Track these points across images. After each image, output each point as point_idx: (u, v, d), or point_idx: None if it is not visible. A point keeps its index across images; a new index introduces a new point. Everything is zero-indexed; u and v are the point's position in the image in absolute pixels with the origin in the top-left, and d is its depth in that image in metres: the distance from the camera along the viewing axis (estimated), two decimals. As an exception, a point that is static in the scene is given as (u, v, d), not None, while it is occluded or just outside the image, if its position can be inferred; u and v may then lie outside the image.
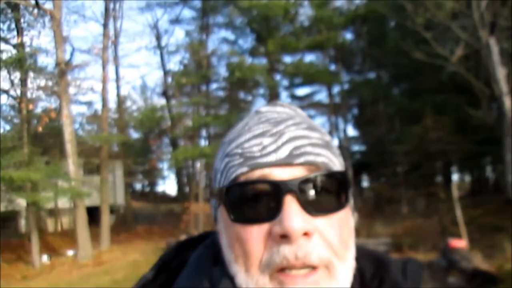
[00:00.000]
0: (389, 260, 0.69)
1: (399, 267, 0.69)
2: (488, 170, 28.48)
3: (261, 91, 22.60)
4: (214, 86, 24.55)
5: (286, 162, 0.60)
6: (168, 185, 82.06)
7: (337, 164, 0.65)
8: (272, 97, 20.78)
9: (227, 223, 0.63)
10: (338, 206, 0.61)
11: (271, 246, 0.58)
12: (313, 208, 0.59)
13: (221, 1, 19.46)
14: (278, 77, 20.68)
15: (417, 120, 16.19)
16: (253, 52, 20.96)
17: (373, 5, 16.68)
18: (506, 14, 10.23)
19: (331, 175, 0.62)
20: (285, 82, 24.32)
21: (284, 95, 29.08)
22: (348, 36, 22.12)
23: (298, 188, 0.58)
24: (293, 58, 20.49)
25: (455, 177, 26.17)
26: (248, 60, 19.51)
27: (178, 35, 54.65)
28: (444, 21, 11.12)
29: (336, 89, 25.05)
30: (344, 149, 23.72)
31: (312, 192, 0.59)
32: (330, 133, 26.96)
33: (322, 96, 32.49)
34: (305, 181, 0.59)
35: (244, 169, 0.61)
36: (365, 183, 32.54)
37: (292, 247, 0.57)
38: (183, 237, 13.74)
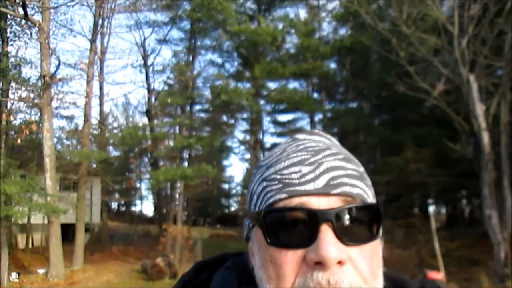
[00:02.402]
0: (407, 282, 0.71)
1: None
2: (463, 203, 28.95)
3: (244, 115, 22.70)
4: (197, 107, 24.63)
5: (323, 192, 0.62)
6: (145, 206, 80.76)
7: (370, 195, 0.68)
8: (255, 121, 20.93)
9: (262, 245, 0.65)
10: (370, 237, 0.64)
11: (305, 271, 0.60)
12: (347, 238, 0.61)
13: (210, 24, 19.69)
14: (261, 102, 20.86)
15: (398, 151, 16.45)
16: (238, 76, 21.16)
17: (358, 36, 17.11)
18: (485, 52, 10.59)
19: (366, 207, 0.65)
20: (268, 108, 24.57)
21: (266, 120, 29.32)
22: (332, 65, 22.58)
23: (334, 218, 0.61)
24: (276, 85, 20.80)
25: (431, 209, 26.47)
26: (232, 84, 19.67)
27: (165, 55, 54.71)
28: (426, 56, 11.44)
29: (318, 117, 25.42)
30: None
31: (347, 223, 0.62)
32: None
33: (304, 123, 32.85)
34: (341, 211, 0.62)
35: (283, 195, 0.63)
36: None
37: (325, 274, 0.59)
38: (159, 259, 13.41)
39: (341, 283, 0.59)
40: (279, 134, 33.24)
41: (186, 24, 21.67)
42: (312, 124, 22.75)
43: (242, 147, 33.66)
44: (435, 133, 15.52)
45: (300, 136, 0.73)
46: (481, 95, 11.37)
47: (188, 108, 21.21)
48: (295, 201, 0.62)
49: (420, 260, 13.65)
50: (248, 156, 34.95)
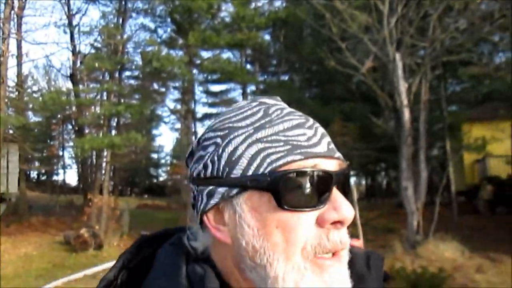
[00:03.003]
0: (354, 253, 0.72)
1: (363, 259, 0.75)
2: (381, 176, 30.87)
3: (176, 83, 22.16)
4: (126, 74, 23.62)
5: (329, 155, 0.64)
6: (69, 175, 77.27)
7: None
8: (187, 91, 20.51)
9: (260, 210, 0.62)
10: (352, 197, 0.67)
11: (318, 233, 0.61)
12: (349, 197, 0.65)
13: (142, -14, 18.76)
14: (194, 71, 20.42)
15: (327, 125, 16.97)
16: (170, 43, 20.47)
17: (293, 9, 17.16)
18: (411, 32, 11.09)
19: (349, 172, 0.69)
20: (201, 77, 24.16)
21: (198, 90, 28.87)
22: (266, 37, 22.54)
23: (342, 180, 0.64)
24: (210, 54, 20.43)
25: (353, 180, 27.89)
26: (165, 50, 19.02)
27: (92, 15, 51.53)
28: (357, 33, 11.73)
29: (250, 89, 25.47)
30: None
31: (347, 184, 0.66)
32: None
33: (235, 94, 32.82)
34: (344, 173, 0.65)
35: (297, 156, 0.62)
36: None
37: (339, 233, 0.62)
38: (83, 230, 12.93)
39: (346, 241, 0.63)
40: (211, 104, 32.97)
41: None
42: (244, 95, 22.74)
43: (173, 117, 33.05)
44: (361, 108, 16.17)
45: (268, 100, 0.71)
46: (404, 73, 11.94)
47: (117, 74, 20.25)
48: (310, 163, 0.62)
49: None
50: (178, 125, 34.44)
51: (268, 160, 0.62)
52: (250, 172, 0.63)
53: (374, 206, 21.36)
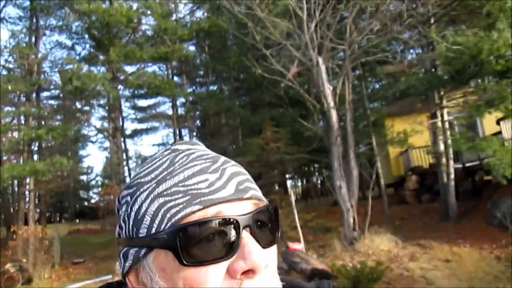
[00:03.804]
0: (303, 285, 0.71)
1: None
2: (315, 177, 31.71)
3: (101, 101, 21.36)
4: (45, 94, 22.36)
5: (236, 197, 0.60)
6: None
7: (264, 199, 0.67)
8: (113, 107, 19.80)
9: (167, 270, 0.58)
10: (276, 237, 0.63)
11: (230, 285, 0.56)
12: (264, 241, 0.59)
13: (54, 2, 17.84)
14: (119, 87, 19.80)
15: (258, 132, 17.12)
16: (91, 60, 19.70)
17: (215, 19, 17.18)
18: (330, 36, 11.50)
19: (271, 209, 0.63)
20: (127, 93, 23.46)
21: (125, 106, 28.02)
22: (191, 48, 22.42)
23: (252, 223, 0.58)
24: (134, 69, 19.90)
25: (289, 184, 28.35)
26: (85, 68, 18.25)
27: (0, 36, 48.36)
28: (279, 39, 11.96)
29: (179, 101, 25.15)
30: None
31: (261, 226, 0.60)
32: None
33: (165, 107, 32.27)
34: (256, 214, 0.60)
35: (196, 207, 0.57)
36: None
37: (253, 281, 0.56)
38: (9, 265, 11.96)
39: None
40: (140, 120, 32.13)
41: (25, 1, 19.36)
42: (174, 108, 22.40)
43: (100, 135, 31.77)
44: (290, 113, 16.50)
45: (181, 146, 0.68)
46: (328, 76, 12.33)
47: (34, 95, 19.08)
48: (211, 211, 0.58)
49: (282, 232, 14.52)
50: (107, 144, 33.14)
51: (168, 215, 0.58)
52: (153, 230, 0.59)
53: (310, 207, 21.81)
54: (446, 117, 13.05)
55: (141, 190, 0.62)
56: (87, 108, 24.93)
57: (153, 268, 0.59)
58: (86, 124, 25.83)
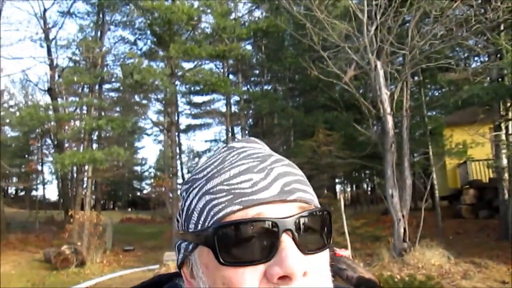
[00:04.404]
0: None
1: None
2: (366, 183, 31.01)
3: (158, 95, 22.00)
4: (106, 86, 23.34)
5: (279, 199, 0.58)
6: (48, 190, 75.83)
7: (317, 201, 0.65)
8: (170, 102, 20.34)
9: (210, 267, 0.58)
10: (325, 243, 0.61)
11: None
12: (307, 246, 0.57)
13: (120, -1, 18.63)
14: (176, 82, 20.31)
15: (310, 134, 16.99)
16: (151, 55, 20.35)
17: (273, 19, 17.21)
18: (391, 40, 11.16)
19: (320, 213, 0.61)
20: (183, 88, 24.02)
21: (181, 101, 28.74)
22: (248, 48, 22.60)
23: (294, 226, 0.57)
24: (191, 65, 20.32)
25: (338, 189, 27.95)
26: (145, 62, 18.88)
27: (69, 29, 51.02)
28: (337, 41, 11.77)
29: (233, 99, 25.43)
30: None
31: (305, 230, 0.58)
32: (227, 142, 27.29)
33: (219, 104, 32.80)
34: (299, 218, 0.58)
35: (236, 207, 0.57)
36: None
37: None
38: (65, 247, 12.59)
39: None
40: (195, 116, 32.87)
41: (93, -4, 20.30)
42: (228, 106, 22.68)
43: (156, 129, 32.80)
44: (345, 116, 16.24)
45: (237, 144, 0.68)
46: (386, 81, 12.00)
47: (96, 87, 19.99)
48: (251, 212, 0.57)
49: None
50: (162, 137, 34.16)
51: (212, 213, 0.59)
52: (199, 227, 0.60)
53: (359, 214, 21.39)
54: (511, 130, 12.33)
55: (194, 186, 0.63)
56: (145, 101, 25.80)
57: (198, 264, 0.60)
58: (143, 117, 26.74)
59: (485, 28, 10.14)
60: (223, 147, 0.69)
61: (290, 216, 0.57)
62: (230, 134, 26.42)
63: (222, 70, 22.65)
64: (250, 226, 0.56)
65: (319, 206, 0.63)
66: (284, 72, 20.45)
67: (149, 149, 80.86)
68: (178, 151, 20.02)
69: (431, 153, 15.54)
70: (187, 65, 20.88)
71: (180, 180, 22.42)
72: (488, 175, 16.04)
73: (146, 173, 44.63)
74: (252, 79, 26.82)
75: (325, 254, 0.61)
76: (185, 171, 28.55)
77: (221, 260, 0.56)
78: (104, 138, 22.16)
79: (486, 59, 13.01)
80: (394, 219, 11.69)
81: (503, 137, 12.29)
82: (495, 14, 9.79)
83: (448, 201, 18.61)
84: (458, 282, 9.69)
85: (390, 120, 12.04)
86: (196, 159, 40.54)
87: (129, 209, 36.86)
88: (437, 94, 19.68)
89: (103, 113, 20.26)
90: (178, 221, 0.66)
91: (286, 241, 0.56)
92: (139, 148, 42.35)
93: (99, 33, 20.16)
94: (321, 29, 11.85)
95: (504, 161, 12.36)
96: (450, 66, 12.79)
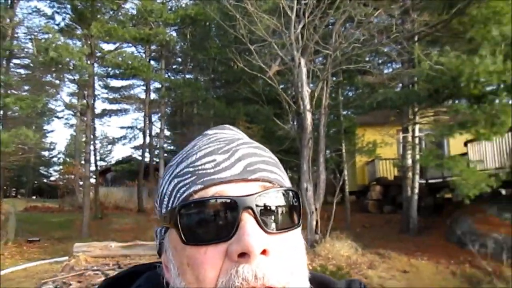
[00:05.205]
0: (333, 282, 0.70)
1: None
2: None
3: (74, 77, 20.71)
4: (15, 62, 21.50)
5: (241, 178, 0.59)
6: None
7: (287, 181, 0.65)
8: (86, 84, 19.24)
9: (177, 248, 0.59)
10: (292, 224, 0.60)
11: (228, 268, 0.55)
12: (269, 225, 0.57)
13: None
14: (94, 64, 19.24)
15: (231, 125, 17.02)
16: (69, 33, 19.05)
17: (202, 7, 16.93)
18: (316, 39, 11.55)
19: (285, 192, 0.61)
20: (101, 71, 22.86)
21: (98, 84, 27.29)
22: (173, 34, 22.04)
23: (254, 204, 0.56)
24: (112, 47, 19.36)
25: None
26: (62, 39, 17.62)
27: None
28: (265, 36, 11.92)
29: (153, 86, 24.74)
30: (159, 148, 23.46)
31: (268, 209, 0.58)
32: (144, 130, 26.45)
33: (138, 90, 31.69)
34: (261, 196, 0.58)
35: (198, 186, 0.58)
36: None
37: (251, 266, 0.54)
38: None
39: (268, 276, 0.54)
40: (111, 100, 31.39)
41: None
42: (148, 92, 22.01)
43: (68, 112, 30.82)
44: (266, 110, 16.49)
45: (210, 131, 0.70)
46: (308, 78, 12.39)
47: (4, 61, 18.29)
48: (212, 191, 0.58)
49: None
50: (74, 121, 32.24)
51: (178, 194, 0.60)
52: (169, 210, 0.61)
53: (274, 206, 21.86)
54: (417, 133, 13.37)
55: (167, 172, 0.65)
56: (57, 82, 24.11)
57: (168, 246, 0.61)
58: (54, 98, 24.97)
59: (402, 37, 10.88)
60: (201, 135, 0.70)
61: (251, 194, 0.57)
62: (148, 122, 25.69)
63: (143, 55, 21.89)
64: (210, 205, 0.57)
65: (287, 186, 0.63)
66: (208, 62, 20.25)
67: (59, 133, 75.78)
68: (92, 136, 19.00)
69: (344, 150, 16.31)
70: (106, 47, 19.89)
71: (93, 167, 21.37)
72: (393, 173, 17.25)
73: (55, 159, 41.97)
74: (175, 66, 26.26)
75: (294, 235, 0.60)
76: (98, 157, 27.21)
77: (184, 239, 0.56)
78: (9, 118, 20.36)
79: (400, 66, 13.97)
80: (308, 212, 12.14)
81: (410, 139, 13.28)
82: (412, 25, 10.55)
83: (356, 196, 19.68)
84: (364, 272, 10.35)
85: (309, 117, 12.44)
86: (110, 146, 38.88)
87: (34, 197, 34.42)
88: (352, 94, 20.73)
89: (9, 91, 18.60)
90: (155, 207, 0.67)
91: (246, 219, 0.56)
92: (48, 131, 39.66)
93: (9, 1, 18.42)
94: (250, 22, 11.92)
95: (409, 161, 13.36)
96: (367, 70, 13.55)
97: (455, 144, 14.83)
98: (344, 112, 17.47)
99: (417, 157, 12.75)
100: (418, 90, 11.21)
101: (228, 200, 0.56)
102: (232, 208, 0.56)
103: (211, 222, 0.56)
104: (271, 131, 16.47)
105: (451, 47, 9.17)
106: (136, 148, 33.04)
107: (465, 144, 12.90)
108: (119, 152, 79.39)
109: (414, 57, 10.78)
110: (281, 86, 13.81)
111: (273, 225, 0.57)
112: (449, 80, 8.69)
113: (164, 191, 0.63)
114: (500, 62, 8.25)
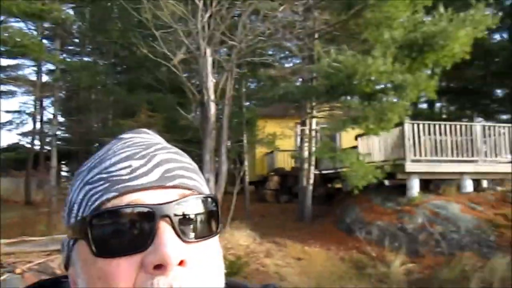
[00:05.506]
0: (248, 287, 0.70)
1: None
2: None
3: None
4: None
5: (158, 185, 0.56)
6: None
7: (206, 188, 0.63)
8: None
9: (88, 261, 0.54)
10: (211, 232, 0.59)
11: (143, 280, 0.52)
12: (187, 234, 0.55)
13: None
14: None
15: (132, 114, 16.46)
16: None
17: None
18: (222, 29, 11.59)
19: (204, 199, 0.59)
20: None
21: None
22: (70, 12, 20.51)
23: (172, 213, 0.54)
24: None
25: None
26: None
27: None
28: (170, 22, 11.67)
29: (46, 68, 22.92)
30: (51, 136, 21.79)
31: (186, 217, 0.56)
32: (34, 115, 24.40)
33: (28, 71, 29.12)
34: (179, 204, 0.55)
35: (111, 194, 0.55)
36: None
37: (167, 279, 0.51)
38: None
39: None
40: (-6, 81, 28.44)
41: None
42: (39, 74, 20.32)
43: None
44: (169, 99, 16.19)
45: (126, 135, 0.66)
46: (213, 69, 12.41)
47: None
48: (127, 199, 0.54)
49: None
50: None
51: (89, 203, 0.56)
52: (79, 219, 0.57)
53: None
54: (314, 126, 14.10)
55: (77, 179, 0.61)
56: None
57: (76, 259, 0.57)
58: None
59: (304, 34, 11.36)
60: (113, 139, 0.66)
61: (169, 202, 0.55)
62: (39, 106, 23.76)
63: (35, 33, 20.10)
64: (125, 214, 0.54)
65: (206, 193, 0.62)
66: (109, 46, 19.24)
67: None
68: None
69: (245, 141, 16.65)
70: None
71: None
72: (291, 164, 18.03)
73: None
74: (71, 48, 24.53)
75: (212, 244, 0.59)
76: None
77: (95, 251, 0.53)
78: None
79: (301, 61, 14.58)
80: None
81: (307, 131, 13.96)
82: (314, 23, 11.07)
83: (255, 186, 20.25)
84: (262, 261, 10.69)
85: (213, 107, 12.48)
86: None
87: None
88: (254, 87, 21.19)
89: None
90: (63, 217, 0.62)
91: (163, 228, 0.53)
92: None
93: None
94: (155, 6, 11.57)
95: (306, 153, 14.05)
96: (270, 63, 13.95)
97: (346, 137, 15.93)
98: (247, 104, 17.80)
99: (313, 149, 13.44)
100: (316, 85, 11.83)
101: (144, 209, 0.53)
102: (149, 217, 0.53)
103: (125, 232, 0.53)
104: (173, 120, 16.22)
105: (348, 46, 9.83)
106: (24, 134, 30.42)
107: (356, 138, 13.92)
108: (4, 138, 72.45)
109: (314, 54, 11.36)
110: (185, 75, 13.65)
111: (192, 234, 0.55)
112: (344, 78, 9.30)
113: (73, 199, 0.59)
114: (389, 64, 9.05)
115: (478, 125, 13.16)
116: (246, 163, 15.84)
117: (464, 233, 10.42)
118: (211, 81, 12.32)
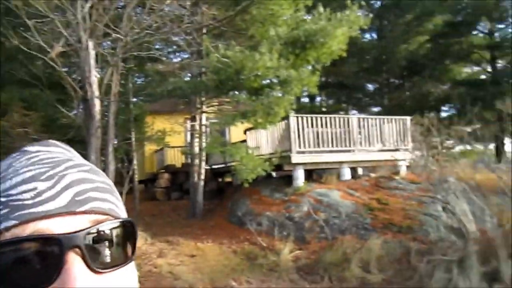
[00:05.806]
0: None
1: None
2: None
3: None
4: None
5: (67, 211, 0.50)
6: None
7: (122, 209, 0.58)
8: None
9: None
10: (126, 258, 0.54)
11: None
12: (100, 264, 0.50)
13: None
14: None
15: (3, 113, 14.91)
16: None
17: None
18: (106, 21, 11.01)
19: (120, 224, 0.54)
20: None
21: None
22: None
23: (83, 242, 0.49)
24: None
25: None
26: None
27: None
28: (46, 11, 10.78)
29: None
30: None
31: (99, 246, 0.51)
32: None
33: None
34: (90, 233, 0.50)
35: (11, 222, 0.48)
36: None
37: None
38: None
39: None
40: None
41: None
42: None
43: None
44: (47, 96, 14.96)
45: (31, 148, 0.59)
46: (97, 63, 11.76)
47: None
48: (30, 228, 0.48)
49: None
50: None
51: None
52: None
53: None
54: (204, 121, 14.14)
55: None
56: None
57: None
58: None
59: (192, 28, 11.31)
60: (17, 153, 0.58)
61: (79, 231, 0.50)
62: None
63: None
64: (27, 246, 0.48)
65: (122, 216, 0.57)
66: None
67: None
68: None
69: (133, 139, 16.12)
70: None
71: None
72: (182, 160, 17.91)
73: None
74: None
75: (127, 270, 0.55)
76: None
77: None
78: None
79: (189, 56, 14.46)
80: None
81: (197, 127, 13.96)
82: (202, 18, 11.07)
83: (145, 184, 19.77)
84: (154, 261, 10.45)
85: (97, 104, 11.87)
86: None
87: None
88: (142, 82, 20.55)
89: None
90: None
91: (72, 260, 0.48)
92: None
93: None
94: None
95: (196, 149, 14.05)
96: (158, 58, 13.64)
97: (235, 132, 16.28)
98: (134, 100, 17.21)
99: (203, 144, 13.50)
100: (206, 80, 11.88)
101: (50, 239, 0.48)
102: (55, 248, 0.48)
103: (28, 266, 0.47)
104: (53, 118, 15.05)
105: (235, 42, 10.03)
106: None
107: (245, 132, 14.29)
108: None
109: (203, 49, 11.38)
110: (65, 69, 12.72)
111: (105, 264, 0.51)
112: (233, 73, 9.49)
113: None
114: (275, 60, 9.44)
115: (354, 117, 14.42)
116: (135, 161, 15.34)
117: (344, 218, 11.31)
118: (94, 76, 11.67)
